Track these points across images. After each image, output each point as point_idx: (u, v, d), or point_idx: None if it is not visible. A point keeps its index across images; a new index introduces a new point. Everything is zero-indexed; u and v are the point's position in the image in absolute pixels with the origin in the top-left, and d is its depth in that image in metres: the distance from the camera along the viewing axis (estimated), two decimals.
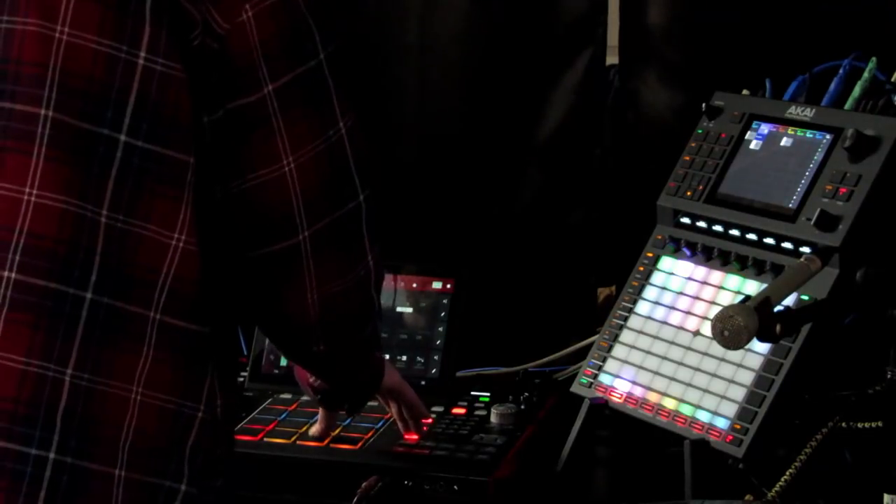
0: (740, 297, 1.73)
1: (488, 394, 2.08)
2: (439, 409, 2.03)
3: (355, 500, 1.79)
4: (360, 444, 1.90)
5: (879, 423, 1.77)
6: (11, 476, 1.32)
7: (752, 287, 1.82)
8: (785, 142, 1.87)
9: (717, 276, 1.88)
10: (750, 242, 1.86)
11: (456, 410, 2.03)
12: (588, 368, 1.94)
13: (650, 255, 1.97)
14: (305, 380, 1.82)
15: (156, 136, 1.36)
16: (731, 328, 1.58)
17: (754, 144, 1.91)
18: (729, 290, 1.86)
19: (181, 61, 1.36)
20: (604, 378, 1.92)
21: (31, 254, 1.34)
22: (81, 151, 1.35)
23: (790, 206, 1.81)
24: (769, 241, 1.83)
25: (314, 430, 1.91)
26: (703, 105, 1.97)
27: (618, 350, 1.93)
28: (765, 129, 1.91)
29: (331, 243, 1.47)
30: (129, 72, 1.35)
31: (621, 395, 1.89)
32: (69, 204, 1.34)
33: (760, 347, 1.75)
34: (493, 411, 1.98)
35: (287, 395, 2.07)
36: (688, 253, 1.93)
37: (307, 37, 1.42)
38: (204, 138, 1.38)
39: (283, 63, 1.40)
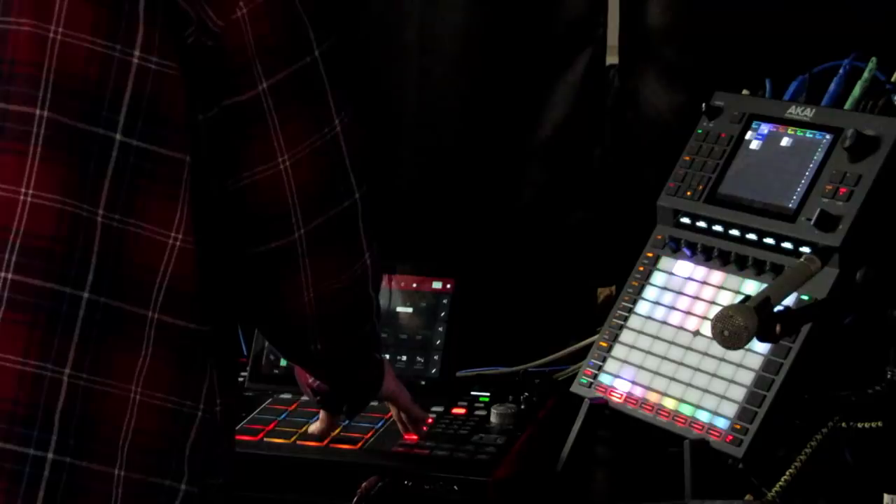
0: (740, 297, 1.73)
1: (488, 394, 2.08)
2: (439, 409, 2.03)
3: (355, 500, 1.79)
4: (360, 444, 1.90)
5: (879, 423, 1.77)
6: (10, 477, 1.32)
7: (752, 287, 1.81)
8: (785, 142, 1.87)
9: (717, 276, 1.88)
10: (750, 242, 1.86)
11: (456, 410, 2.03)
12: (588, 368, 1.94)
13: (650, 255, 1.97)
14: (305, 381, 1.81)
15: (151, 134, 1.36)
16: (731, 328, 1.58)
17: (754, 144, 1.91)
18: (729, 290, 1.86)
19: (176, 59, 1.36)
20: (604, 378, 1.92)
21: (28, 254, 1.34)
22: (77, 151, 1.35)
23: (790, 206, 1.81)
24: (769, 241, 1.83)
25: (314, 427, 1.91)
26: (703, 105, 1.97)
27: (618, 350, 1.93)
28: (765, 129, 1.91)
29: (327, 241, 1.47)
30: (123, 71, 1.35)
31: (621, 395, 1.89)
32: (65, 204, 1.34)
33: (760, 347, 1.75)
34: (493, 411, 1.98)
35: (287, 395, 2.07)
36: (688, 253, 1.93)
37: (302, 34, 1.42)
38: (199, 136, 1.38)
39: (278, 60, 1.40)
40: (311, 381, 1.80)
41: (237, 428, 1.93)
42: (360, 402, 1.81)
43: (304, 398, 1.99)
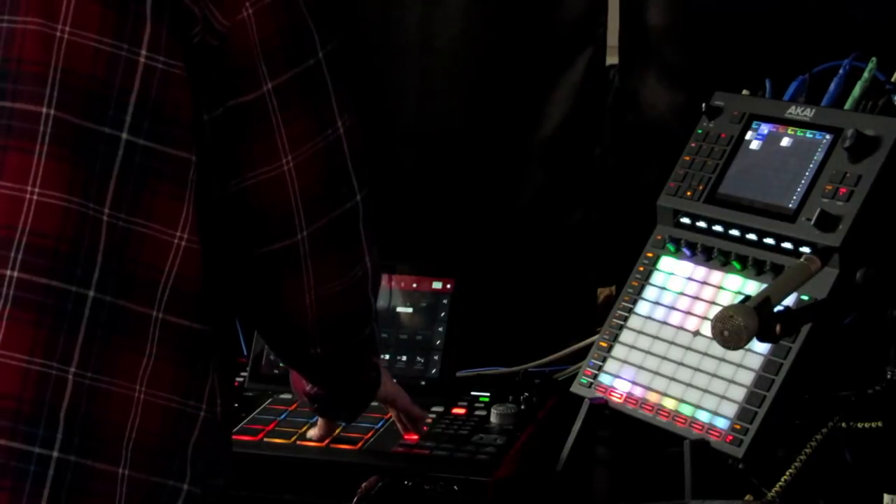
0: (740, 297, 1.73)
1: (488, 394, 2.08)
2: (439, 409, 2.03)
3: (355, 500, 1.79)
4: (360, 444, 1.90)
5: (879, 423, 1.77)
6: (15, 475, 1.32)
7: (752, 287, 1.82)
8: (785, 142, 1.87)
9: (717, 276, 1.88)
10: (750, 242, 1.86)
11: (456, 410, 2.03)
12: (588, 368, 1.94)
13: (650, 255, 1.97)
14: (302, 388, 1.81)
15: (157, 134, 1.36)
16: (731, 328, 1.58)
17: (754, 144, 1.91)
18: (729, 290, 1.86)
19: (182, 59, 1.36)
20: (604, 378, 1.92)
21: (34, 252, 1.34)
22: (83, 150, 1.35)
23: (790, 206, 1.81)
24: (769, 241, 1.83)
25: (312, 433, 1.91)
26: (703, 105, 1.98)
27: (618, 350, 1.93)
28: (765, 129, 1.91)
29: (329, 243, 1.47)
30: (130, 70, 1.35)
31: (621, 395, 1.89)
32: (71, 202, 1.34)
33: (760, 347, 1.75)
34: (493, 411, 1.98)
35: (287, 395, 2.07)
36: (688, 253, 1.93)
37: (306, 35, 1.42)
38: (204, 136, 1.38)
39: (283, 61, 1.40)
40: (307, 388, 1.79)
41: (237, 428, 1.94)
42: (359, 407, 1.80)
43: (301, 403, 1.99)
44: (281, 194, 1.42)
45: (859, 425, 1.78)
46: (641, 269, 1.97)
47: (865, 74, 1.87)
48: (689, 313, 1.88)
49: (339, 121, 1.45)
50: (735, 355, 1.78)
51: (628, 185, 2.30)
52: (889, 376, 1.73)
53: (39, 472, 1.33)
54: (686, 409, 1.81)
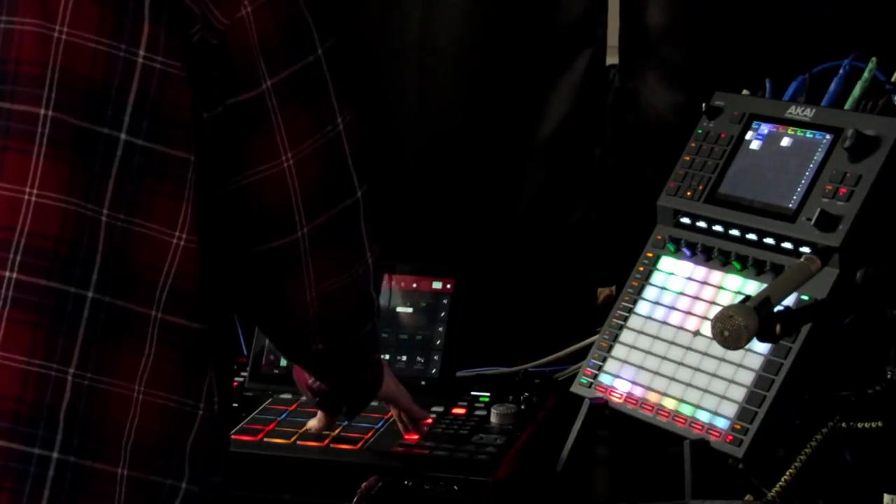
0: (740, 297, 1.73)
1: (488, 394, 2.08)
2: (439, 409, 2.03)
3: (355, 500, 1.79)
4: (360, 444, 1.90)
5: (879, 423, 1.77)
6: (15, 476, 1.32)
7: (752, 287, 1.82)
8: (785, 142, 1.87)
9: (717, 276, 1.88)
10: (750, 242, 1.86)
11: (456, 410, 2.03)
12: (588, 368, 1.94)
13: (650, 255, 1.97)
14: (304, 382, 1.81)
15: (156, 134, 1.36)
16: (731, 328, 1.58)
17: (754, 144, 1.91)
18: (729, 290, 1.86)
19: (180, 58, 1.36)
20: (604, 378, 1.92)
21: (32, 253, 1.34)
22: (82, 151, 1.35)
23: (790, 206, 1.81)
24: (769, 241, 1.83)
25: (311, 424, 1.90)
26: (703, 105, 1.97)
27: (618, 350, 1.93)
28: (765, 129, 1.91)
29: (329, 240, 1.47)
30: (128, 70, 1.35)
31: (621, 395, 1.89)
32: (69, 203, 1.34)
33: (760, 347, 1.75)
34: (493, 411, 1.98)
35: (287, 395, 2.07)
36: (688, 253, 1.93)
37: (306, 33, 1.42)
38: (204, 135, 1.39)
39: (282, 59, 1.40)
40: (310, 381, 1.80)
41: (237, 428, 1.94)
42: (360, 403, 1.81)
43: (304, 398, 1.99)
44: (281, 192, 1.42)
45: (859, 425, 1.78)
46: (641, 269, 1.97)
47: (865, 74, 1.87)
48: (689, 313, 1.88)
49: (339, 117, 1.45)
50: (735, 355, 1.78)
51: (628, 185, 2.30)
52: (889, 376, 1.73)
53: (39, 474, 1.33)
54: (686, 409, 1.81)
